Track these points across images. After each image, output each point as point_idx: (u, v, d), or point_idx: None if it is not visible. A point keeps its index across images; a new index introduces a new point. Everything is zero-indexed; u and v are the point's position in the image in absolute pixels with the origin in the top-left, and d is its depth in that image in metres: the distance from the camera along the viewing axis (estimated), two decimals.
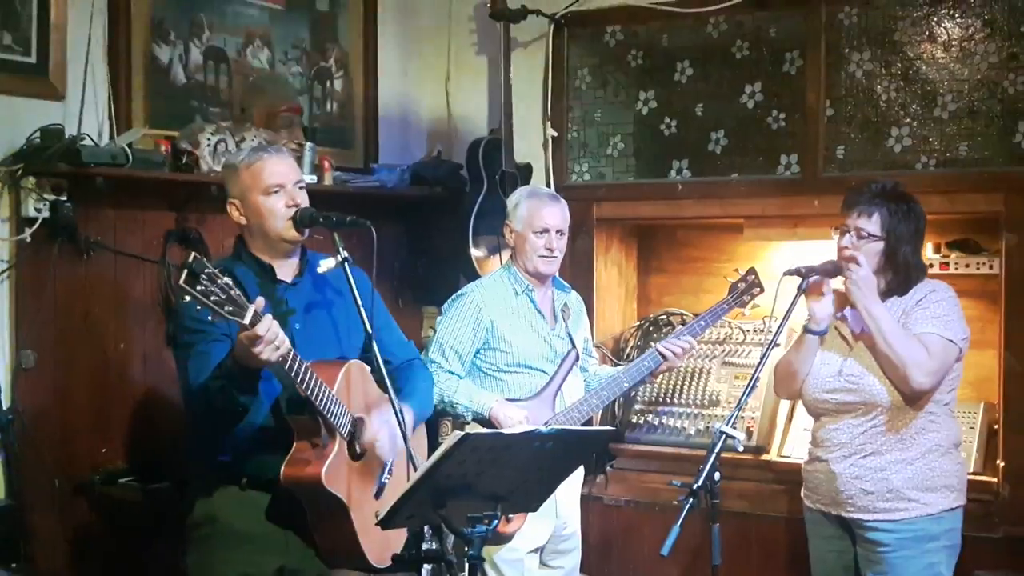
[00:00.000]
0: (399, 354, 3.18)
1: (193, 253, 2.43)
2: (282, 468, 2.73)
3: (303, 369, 2.64)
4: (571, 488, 3.77)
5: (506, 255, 4.34)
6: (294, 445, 2.76)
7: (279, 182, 2.89)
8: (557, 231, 3.68)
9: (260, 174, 2.88)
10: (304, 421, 2.75)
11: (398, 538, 3.01)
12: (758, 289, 3.91)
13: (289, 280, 2.95)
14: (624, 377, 3.78)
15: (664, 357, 3.75)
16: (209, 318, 2.45)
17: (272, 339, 2.54)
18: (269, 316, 2.54)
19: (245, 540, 2.82)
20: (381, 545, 2.91)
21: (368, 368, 2.97)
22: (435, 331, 3.70)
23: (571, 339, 3.77)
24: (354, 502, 2.82)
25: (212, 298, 2.40)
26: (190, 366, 2.78)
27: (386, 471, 2.98)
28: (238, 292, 2.46)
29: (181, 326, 2.85)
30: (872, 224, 3.25)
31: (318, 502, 2.78)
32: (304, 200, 2.93)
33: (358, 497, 2.85)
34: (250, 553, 2.83)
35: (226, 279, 2.43)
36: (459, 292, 3.76)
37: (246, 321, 2.47)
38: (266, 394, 2.76)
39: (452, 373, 3.62)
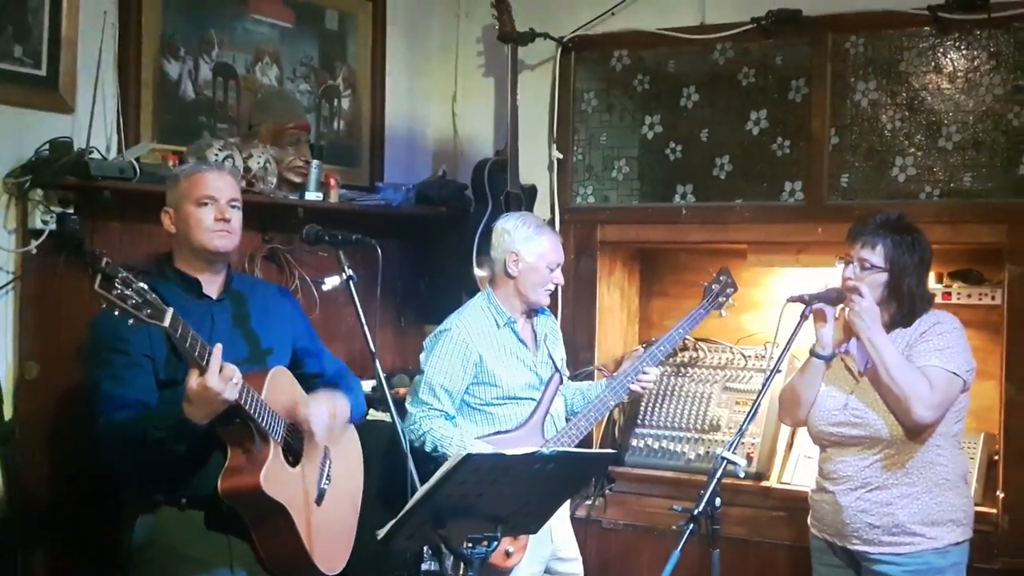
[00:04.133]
0: (330, 367, 3.25)
1: (105, 257, 2.43)
2: (220, 480, 2.69)
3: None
4: (560, 513, 3.76)
5: None
6: (230, 454, 2.73)
7: (212, 195, 2.96)
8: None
9: (196, 185, 2.97)
10: (236, 431, 2.72)
11: (347, 543, 3.01)
12: (732, 288, 3.92)
13: (215, 296, 2.99)
14: (609, 396, 3.79)
15: (639, 380, 3.80)
16: (130, 322, 2.42)
17: (230, 376, 2.56)
18: (217, 355, 2.54)
19: (189, 559, 2.82)
20: (330, 553, 2.90)
21: (291, 375, 2.98)
22: (422, 371, 3.63)
23: (554, 363, 3.77)
24: (295, 508, 2.80)
25: (129, 302, 2.39)
26: (104, 390, 2.76)
27: (324, 476, 2.97)
28: (154, 296, 2.44)
29: (99, 341, 2.82)
30: (876, 255, 3.25)
31: (259, 510, 2.74)
32: (237, 219, 2.99)
33: (299, 503, 2.83)
34: (196, 570, 2.82)
35: (141, 284, 2.42)
36: (441, 328, 3.69)
37: (165, 324, 2.45)
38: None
39: (443, 412, 3.57)
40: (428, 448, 3.52)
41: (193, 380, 2.56)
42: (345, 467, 3.12)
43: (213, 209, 2.95)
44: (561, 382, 3.77)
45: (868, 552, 3.26)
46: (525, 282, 3.68)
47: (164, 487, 2.82)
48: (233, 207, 2.99)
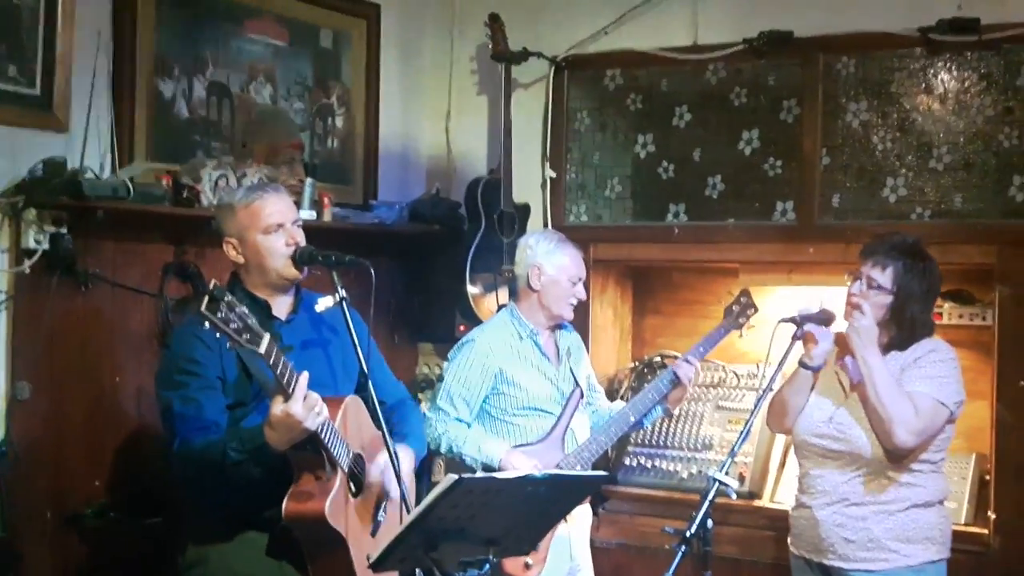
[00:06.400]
0: (392, 394, 3.20)
1: (214, 281, 2.45)
2: (285, 502, 2.70)
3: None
4: (581, 530, 3.79)
5: (503, 293, 4.37)
6: (296, 479, 2.73)
7: (279, 221, 2.91)
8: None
9: (259, 213, 2.90)
10: (307, 456, 2.73)
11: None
12: (752, 310, 3.94)
13: (284, 317, 2.96)
14: (630, 411, 3.80)
15: (678, 379, 3.77)
16: (228, 345, 2.45)
17: (313, 404, 2.57)
18: (303, 384, 2.56)
19: None
20: None
21: (363, 404, 2.98)
22: (442, 379, 3.70)
23: (575, 378, 3.79)
24: (352, 538, 2.81)
25: (232, 325, 2.41)
26: (178, 411, 2.77)
27: (382, 509, 2.98)
28: (254, 320, 2.48)
29: (173, 364, 2.84)
30: (884, 277, 3.24)
31: (318, 538, 2.76)
32: (302, 238, 2.95)
33: (356, 534, 2.84)
34: None
35: (243, 308, 2.45)
36: (465, 338, 3.76)
37: (262, 350, 2.48)
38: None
39: (460, 421, 3.62)
40: (443, 449, 3.60)
41: (278, 407, 2.56)
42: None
43: (284, 235, 2.90)
44: (582, 397, 3.78)
45: (843, 568, 3.27)
46: (548, 295, 3.72)
47: (233, 510, 2.82)
48: (298, 227, 2.96)
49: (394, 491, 2.92)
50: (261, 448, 2.63)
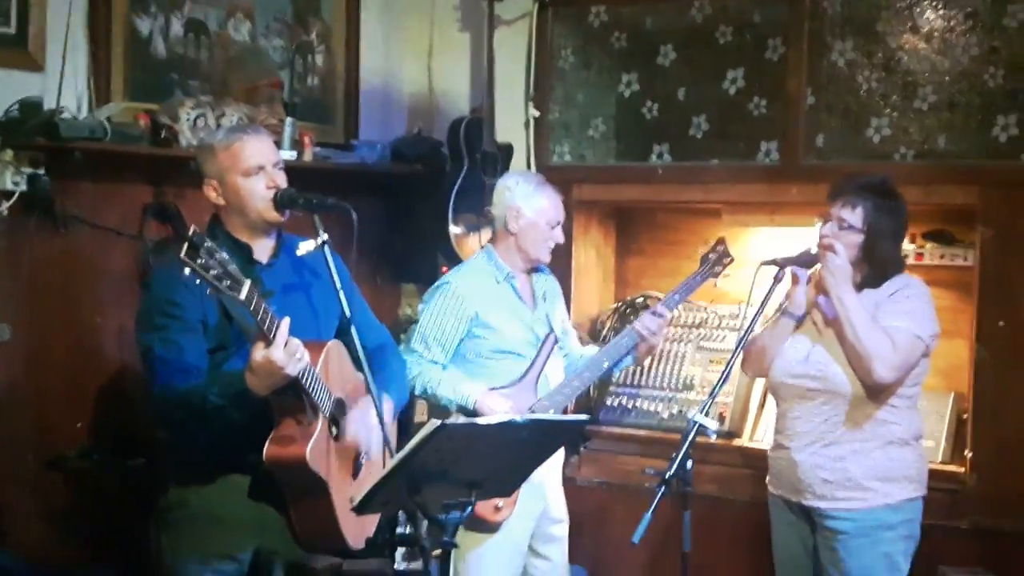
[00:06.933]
0: (373, 338, 3.17)
1: (193, 226, 2.42)
2: (266, 446, 2.69)
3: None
4: (554, 472, 3.81)
5: (486, 234, 4.36)
6: (276, 423, 2.73)
7: (259, 163, 2.87)
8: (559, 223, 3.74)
9: (239, 155, 2.86)
10: (288, 401, 2.72)
11: (373, 519, 3.02)
12: (728, 259, 3.93)
13: (265, 261, 2.94)
14: (604, 357, 3.79)
15: (641, 336, 3.76)
16: (208, 291, 2.43)
17: (294, 351, 2.56)
18: (284, 330, 2.54)
19: (219, 522, 2.82)
20: (358, 526, 2.91)
21: (345, 349, 2.98)
22: (417, 321, 3.69)
23: (550, 323, 3.79)
24: (333, 483, 2.82)
25: (211, 272, 2.39)
26: (159, 354, 2.75)
27: (363, 452, 3.00)
28: (235, 266, 2.46)
29: (153, 306, 2.81)
30: (855, 216, 3.26)
31: (299, 482, 2.76)
32: (283, 181, 2.91)
33: (337, 478, 2.85)
34: (224, 535, 2.84)
35: (223, 253, 2.43)
36: (440, 281, 3.73)
37: (242, 296, 2.46)
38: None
39: (435, 363, 3.62)
40: (418, 391, 3.59)
41: (259, 353, 2.55)
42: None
43: (264, 178, 2.87)
44: (556, 341, 3.78)
45: (821, 508, 3.31)
46: (525, 238, 3.70)
47: (214, 453, 2.81)
48: (279, 169, 2.92)
49: (376, 443, 2.93)
50: (242, 393, 2.62)
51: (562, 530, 3.86)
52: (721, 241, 3.92)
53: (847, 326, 3.21)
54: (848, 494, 3.27)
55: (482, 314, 3.64)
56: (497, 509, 3.52)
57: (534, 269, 3.81)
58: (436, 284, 3.73)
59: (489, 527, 3.54)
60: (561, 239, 3.77)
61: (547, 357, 3.71)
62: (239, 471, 2.83)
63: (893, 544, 3.29)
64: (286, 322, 2.57)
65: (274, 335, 2.54)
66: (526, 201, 3.69)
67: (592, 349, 3.98)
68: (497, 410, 3.48)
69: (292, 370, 2.58)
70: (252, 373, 2.60)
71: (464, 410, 3.54)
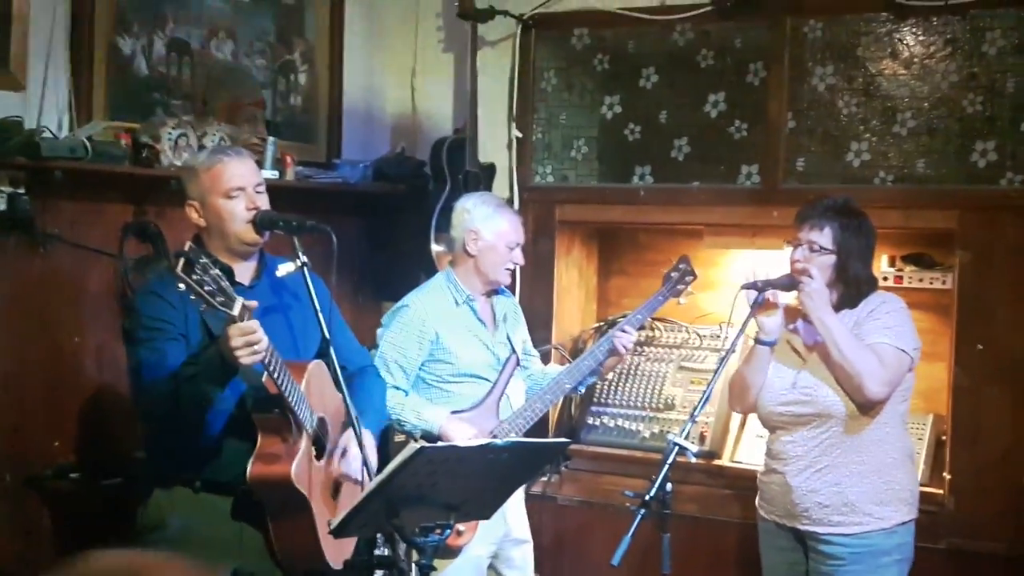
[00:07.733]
0: (354, 360, 3.19)
1: (189, 243, 2.46)
2: (250, 464, 2.70)
3: (279, 364, 2.65)
4: (516, 495, 3.76)
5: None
6: (260, 442, 2.73)
7: (239, 185, 2.89)
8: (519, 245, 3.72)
9: (220, 177, 2.88)
10: (273, 419, 2.73)
11: (351, 539, 3.02)
12: (691, 277, 3.96)
13: (247, 283, 2.94)
14: (566, 378, 3.80)
15: (614, 351, 3.76)
16: (202, 308, 2.46)
17: (255, 341, 2.56)
18: (255, 321, 2.56)
19: (196, 543, 2.80)
20: (338, 546, 2.90)
21: (327, 370, 2.97)
22: (378, 345, 3.64)
23: (511, 344, 3.78)
24: (316, 501, 2.82)
25: (205, 288, 2.42)
26: (144, 361, 2.78)
27: (344, 473, 2.98)
28: (227, 283, 2.48)
29: (139, 322, 2.84)
30: (824, 238, 3.30)
31: (282, 500, 2.76)
32: (264, 203, 2.93)
33: (318, 497, 2.85)
34: (201, 556, 2.81)
35: (216, 270, 2.45)
36: (399, 304, 3.70)
37: (235, 312, 2.48)
38: (229, 390, 2.75)
39: (397, 388, 3.58)
40: None
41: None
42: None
43: (243, 199, 2.88)
44: (518, 363, 3.77)
45: (817, 532, 3.32)
46: (484, 261, 3.69)
47: (188, 463, 2.81)
48: (259, 192, 2.93)
49: (355, 472, 2.93)
50: (211, 360, 2.62)
51: (525, 551, 3.85)
52: (684, 259, 3.94)
53: (832, 347, 3.23)
54: (844, 518, 3.28)
55: (443, 336, 3.62)
56: (459, 534, 3.49)
57: (494, 291, 3.80)
58: (395, 307, 3.71)
59: (450, 552, 3.51)
60: (520, 261, 3.75)
61: (508, 379, 3.70)
62: (217, 491, 2.82)
63: (888, 569, 3.31)
64: (253, 304, 2.59)
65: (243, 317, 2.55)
66: (484, 223, 3.68)
67: (554, 369, 3.98)
68: (461, 436, 3.46)
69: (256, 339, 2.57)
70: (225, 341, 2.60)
71: (428, 436, 3.52)
